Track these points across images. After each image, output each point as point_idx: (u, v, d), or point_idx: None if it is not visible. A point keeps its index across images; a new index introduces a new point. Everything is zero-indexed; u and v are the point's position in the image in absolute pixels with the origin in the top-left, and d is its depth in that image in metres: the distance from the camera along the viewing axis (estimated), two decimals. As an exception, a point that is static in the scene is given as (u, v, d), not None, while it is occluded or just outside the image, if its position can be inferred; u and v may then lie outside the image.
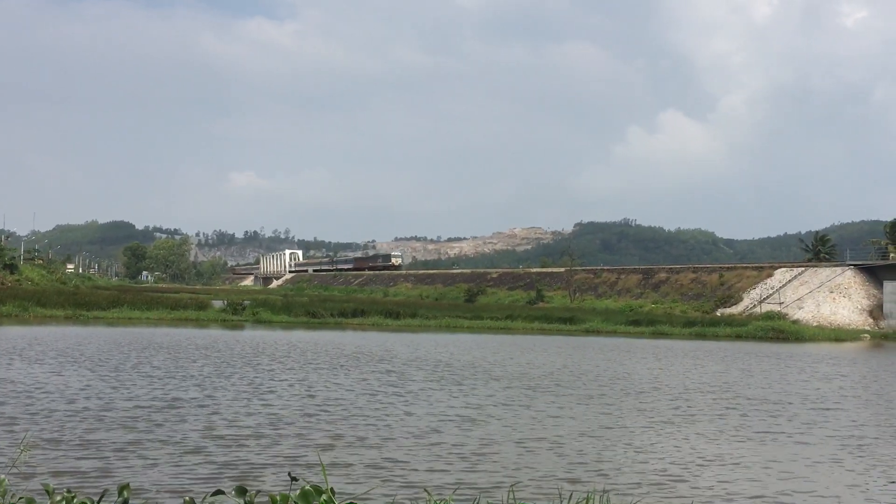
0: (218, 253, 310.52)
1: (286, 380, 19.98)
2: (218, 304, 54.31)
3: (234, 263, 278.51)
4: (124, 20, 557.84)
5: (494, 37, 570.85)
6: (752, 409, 17.88)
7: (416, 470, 10.96)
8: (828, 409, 18.44)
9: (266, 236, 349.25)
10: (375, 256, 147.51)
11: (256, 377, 20.33)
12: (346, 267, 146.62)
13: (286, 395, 17.28)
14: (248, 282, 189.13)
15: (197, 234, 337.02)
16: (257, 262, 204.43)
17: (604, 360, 29.72)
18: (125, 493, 3.41)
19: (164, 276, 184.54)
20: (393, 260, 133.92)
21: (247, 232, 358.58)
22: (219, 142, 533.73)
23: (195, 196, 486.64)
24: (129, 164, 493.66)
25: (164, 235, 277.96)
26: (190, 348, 27.81)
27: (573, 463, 11.92)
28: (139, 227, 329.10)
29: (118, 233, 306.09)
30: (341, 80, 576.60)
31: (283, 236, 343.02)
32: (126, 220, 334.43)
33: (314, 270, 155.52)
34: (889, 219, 72.08)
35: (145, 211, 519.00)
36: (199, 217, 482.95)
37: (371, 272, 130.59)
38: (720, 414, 17.16)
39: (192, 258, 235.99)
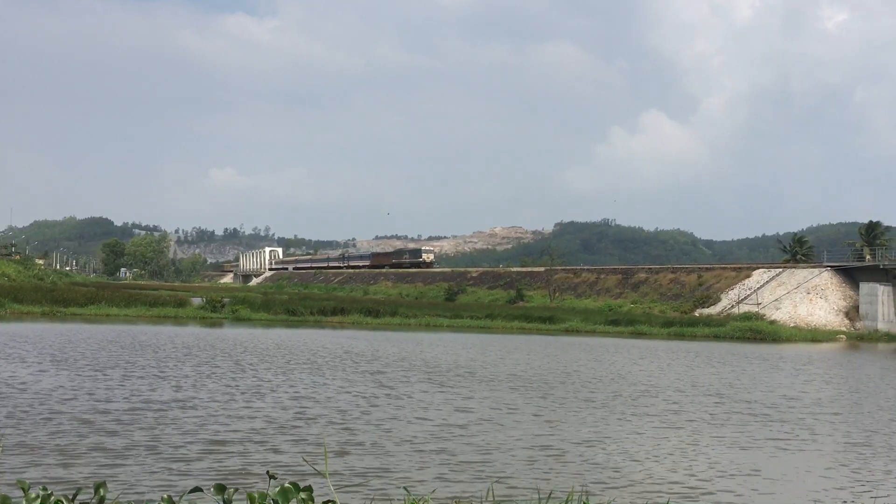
0: (197, 250, 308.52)
1: (270, 381, 19.87)
2: (197, 301, 54.08)
3: (213, 261, 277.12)
4: (103, 14, 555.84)
5: (476, 36, 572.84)
6: (747, 414, 17.92)
7: (409, 477, 10.93)
8: (817, 414, 18.55)
9: (246, 234, 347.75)
10: (401, 252, 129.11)
11: (238, 377, 20.25)
12: (361, 264, 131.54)
13: (270, 398, 17.15)
14: (228, 279, 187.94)
15: (176, 231, 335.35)
16: (237, 260, 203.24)
17: (592, 360, 29.82)
18: (101, 491, 3.32)
19: (143, 272, 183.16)
20: (424, 255, 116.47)
21: (227, 229, 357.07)
22: (199, 138, 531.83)
23: (175, 193, 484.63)
24: (107, 159, 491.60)
25: (143, 232, 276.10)
26: (168, 346, 27.66)
27: (572, 468, 11.95)
28: (118, 223, 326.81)
29: (96, 229, 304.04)
30: (322, 78, 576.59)
31: (263, 234, 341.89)
32: (104, 216, 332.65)
33: (294, 268, 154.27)
34: (865, 221, 72.82)
35: (124, 207, 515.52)
36: (178, 214, 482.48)
37: (391, 269, 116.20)
38: (724, 422, 17.15)
39: (171, 255, 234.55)
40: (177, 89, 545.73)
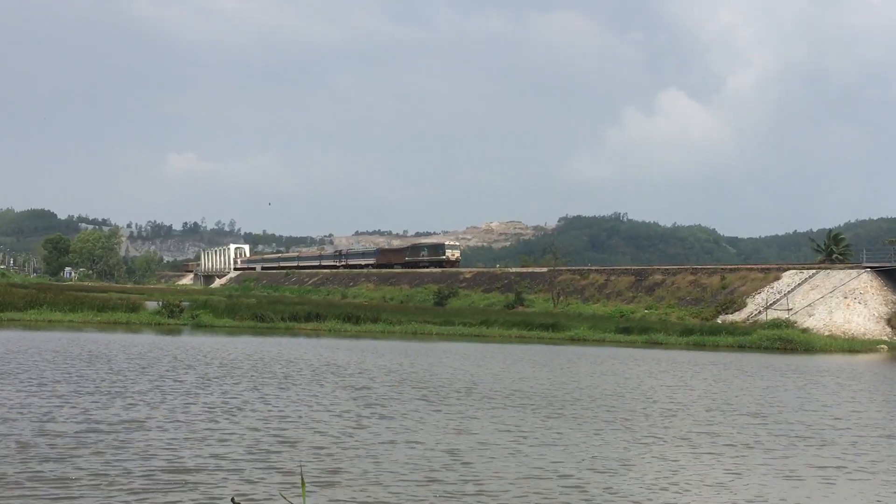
0: (153, 247, 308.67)
1: (239, 397, 19.75)
2: (152, 305, 53.88)
3: (171, 259, 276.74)
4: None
5: (470, 4, 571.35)
6: (793, 437, 17.84)
7: None
8: (870, 437, 18.50)
9: (208, 229, 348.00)
10: (417, 248, 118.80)
11: (200, 393, 20.12)
12: (363, 263, 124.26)
13: (240, 417, 17.02)
14: (188, 280, 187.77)
15: (129, 226, 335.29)
16: (198, 258, 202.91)
17: (606, 373, 29.74)
18: None
19: (91, 272, 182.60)
20: (448, 253, 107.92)
21: (186, 223, 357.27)
22: (156, 119, 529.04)
23: (127, 182, 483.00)
24: (50, 144, 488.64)
25: (90, 226, 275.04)
26: (120, 357, 27.48)
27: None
28: (62, 216, 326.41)
29: (37, 223, 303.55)
30: (295, 51, 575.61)
31: (227, 229, 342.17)
32: (47, 208, 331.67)
33: (263, 268, 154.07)
34: (910, 216, 73.03)
35: (69, 198, 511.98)
36: (131, 206, 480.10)
37: (405, 269, 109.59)
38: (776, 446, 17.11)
39: (122, 253, 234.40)
40: (131, 64, 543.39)
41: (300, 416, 17.12)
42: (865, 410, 22.81)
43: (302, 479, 5.05)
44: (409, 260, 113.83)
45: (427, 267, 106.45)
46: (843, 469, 14.55)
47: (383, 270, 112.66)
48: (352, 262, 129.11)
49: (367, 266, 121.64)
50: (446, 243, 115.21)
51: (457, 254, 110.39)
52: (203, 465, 12.48)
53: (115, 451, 13.10)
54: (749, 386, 27.31)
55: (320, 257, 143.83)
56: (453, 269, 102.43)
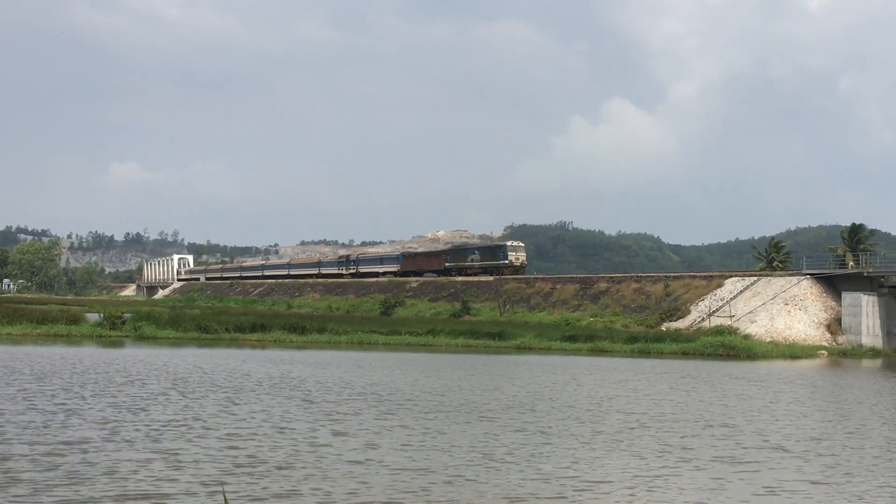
0: (94, 258, 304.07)
1: (186, 411, 19.61)
2: (93, 317, 53.16)
3: (113, 270, 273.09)
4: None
5: (416, 13, 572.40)
6: (767, 450, 18.05)
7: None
8: (848, 448, 18.78)
9: (151, 239, 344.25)
10: (464, 250, 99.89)
11: (145, 409, 19.96)
12: (382, 270, 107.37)
13: (187, 435, 16.92)
14: (130, 291, 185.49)
15: (69, 237, 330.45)
16: (141, 269, 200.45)
17: (562, 383, 29.86)
18: None
19: (30, 284, 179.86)
20: (511, 256, 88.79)
21: (128, 234, 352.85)
22: (97, 128, 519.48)
23: (68, 192, 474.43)
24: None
25: (30, 237, 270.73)
26: (64, 372, 27.12)
27: None
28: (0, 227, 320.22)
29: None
30: (239, 59, 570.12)
31: (171, 239, 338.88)
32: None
33: (207, 278, 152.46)
34: (848, 224, 74.60)
35: (7, 209, 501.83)
36: (72, 216, 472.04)
37: (440, 277, 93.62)
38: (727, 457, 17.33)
39: (63, 264, 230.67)
40: (70, 72, 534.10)
41: (256, 432, 17.06)
42: (838, 421, 23.21)
43: (224, 497, 5.12)
44: (450, 266, 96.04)
45: (477, 274, 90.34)
46: (825, 484, 14.59)
47: (329, 280, 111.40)
48: (365, 268, 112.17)
49: (386, 274, 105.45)
50: (508, 244, 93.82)
51: (522, 257, 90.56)
52: (144, 491, 12.37)
53: (46, 476, 12.97)
54: (705, 396, 27.68)
55: (319, 264, 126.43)
56: (516, 274, 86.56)
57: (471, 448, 15.84)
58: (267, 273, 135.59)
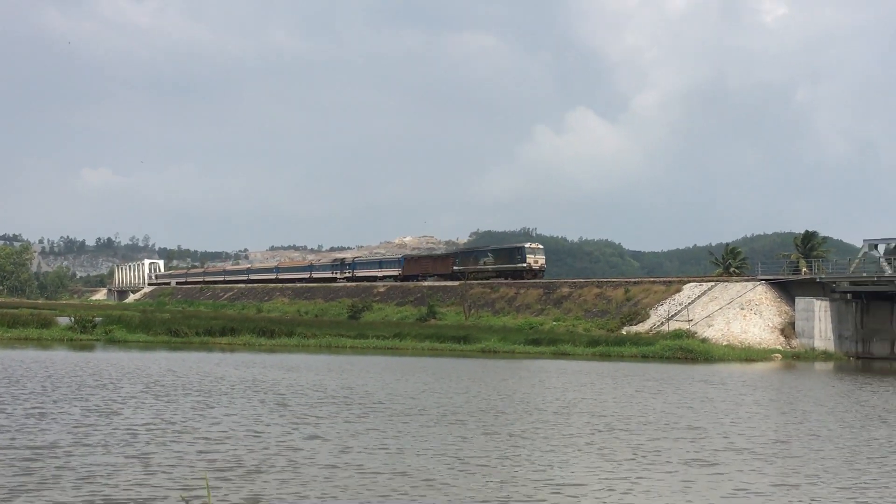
0: (65, 263, 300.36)
1: (159, 416, 19.24)
2: (64, 321, 52.41)
3: (84, 275, 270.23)
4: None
5: (383, 23, 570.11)
6: (738, 450, 18.02)
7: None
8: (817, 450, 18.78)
9: (122, 244, 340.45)
10: (476, 253, 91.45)
11: (117, 413, 19.56)
12: (381, 274, 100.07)
13: (161, 439, 16.58)
14: (101, 295, 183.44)
15: (40, 241, 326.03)
16: (112, 274, 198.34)
17: (530, 385, 29.79)
18: None
19: (1, 288, 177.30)
20: (529, 259, 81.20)
21: (99, 239, 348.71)
22: (68, 133, 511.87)
23: (39, 197, 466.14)
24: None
25: (0, 242, 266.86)
26: (36, 376, 26.60)
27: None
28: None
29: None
30: (209, 66, 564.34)
31: (142, 244, 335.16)
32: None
33: (177, 283, 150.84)
34: (802, 231, 75.34)
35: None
36: (43, 221, 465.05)
37: (449, 281, 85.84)
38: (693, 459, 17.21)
39: (34, 268, 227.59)
40: (41, 77, 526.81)
41: (231, 435, 16.75)
42: (801, 423, 23.27)
43: (207, 484, 4.88)
44: (459, 269, 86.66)
45: (493, 277, 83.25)
46: (795, 485, 14.60)
47: (299, 285, 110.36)
48: (362, 272, 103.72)
49: (385, 279, 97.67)
50: (527, 246, 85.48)
51: (542, 260, 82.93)
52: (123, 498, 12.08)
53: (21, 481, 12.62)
54: (670, 399, 27.67)
55: (311, 268, 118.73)
56: (535, 278, 79.99)
57: (443, 451, 15.63)
58: (253, 277, 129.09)
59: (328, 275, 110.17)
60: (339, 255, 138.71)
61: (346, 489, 12.28)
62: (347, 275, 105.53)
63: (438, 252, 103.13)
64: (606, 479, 13.89)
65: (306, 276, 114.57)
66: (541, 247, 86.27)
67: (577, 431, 18.73)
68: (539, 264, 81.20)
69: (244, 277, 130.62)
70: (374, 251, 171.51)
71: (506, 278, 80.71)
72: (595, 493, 12.77)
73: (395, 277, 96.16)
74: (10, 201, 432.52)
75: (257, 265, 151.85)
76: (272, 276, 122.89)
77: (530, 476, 13.77)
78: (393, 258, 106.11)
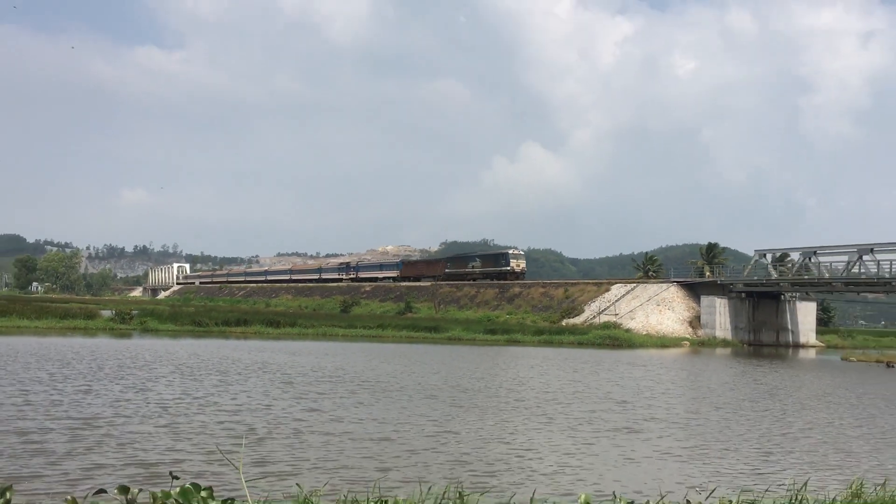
0: (108, 266, 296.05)
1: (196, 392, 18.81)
2: (106, 313, 51.52)
3: (123, 276, 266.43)
4: (18, 42, 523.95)
5: (368, 72, 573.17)
6: (656, 420, 17.91)
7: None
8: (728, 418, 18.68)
9: (155, 250, 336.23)
10: (463, 258, 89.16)
11: (158, 389, 19.11)
12: (381, 276, 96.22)
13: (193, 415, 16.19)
14: (137, 293, 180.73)
15: (88, 248, 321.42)
16: (146, 275, 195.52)
17: (493, 367, 29.58)
18: (8, 494, 3.09)
19: (55, 287, 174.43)
20: (513, 263, 78.10)
21: (136, 246, 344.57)
22: (110, 160, 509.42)
23: (87, 212, 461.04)
24: (21, 180, 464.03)
25: (55, 248, 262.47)
26: (84, 358, 26.01)
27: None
28: (30, 240, 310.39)
29: (9, 246, 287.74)
30: (227, 106, 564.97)
31: (171, 251, 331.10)
32: (18, 233, 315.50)
33: (201, 282, 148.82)
34: (706, 242, 75.93)
35: (38, 225, 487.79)
36: (90, 232, 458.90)
37: (440, 282, 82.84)
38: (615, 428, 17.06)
39: (82, 270, 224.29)
40: (88, 113, 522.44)
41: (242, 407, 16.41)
42: (719, 395, 23.23)
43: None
44: (451, 272, 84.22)
45: (480, 278, 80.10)
46: (705, 447, 14.43)
47: (301, 284, 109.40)
48: (365, 274, 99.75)
49: (385, 280, 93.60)
50: (510, 251, 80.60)
51: (523, 264, 79.49)
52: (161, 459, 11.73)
53: (89, 438, 12.25)
54: (604, 377, 27.58)
55: (320, 270, 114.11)
56: (517, 279, 76.63)
57: (419, 421, 15.39)
58: (270, 277, 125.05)
59: (335, 276, 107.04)
60: (344, 260, 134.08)
61: (342, 452, 12.01)
62: (352, 276, 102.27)
63: (432, 259, 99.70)
64: (556, 443, 13.69)
65: (316, 276, 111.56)
66: (522, 253, 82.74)
67: (528, 404, 18.56)
68: (521, 268, 78.80)
69: (262, 278, 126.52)
70: (362, 257, 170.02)
71: (492, 280, 78.22)
72: (546, 456, 12.58)
73: (393, 279, 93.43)
74: (62, 215, 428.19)
75: (274, 268, 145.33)
76: (286, 277, 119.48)
77: (492, 441, 13.57)
78: (392, 262, 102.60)
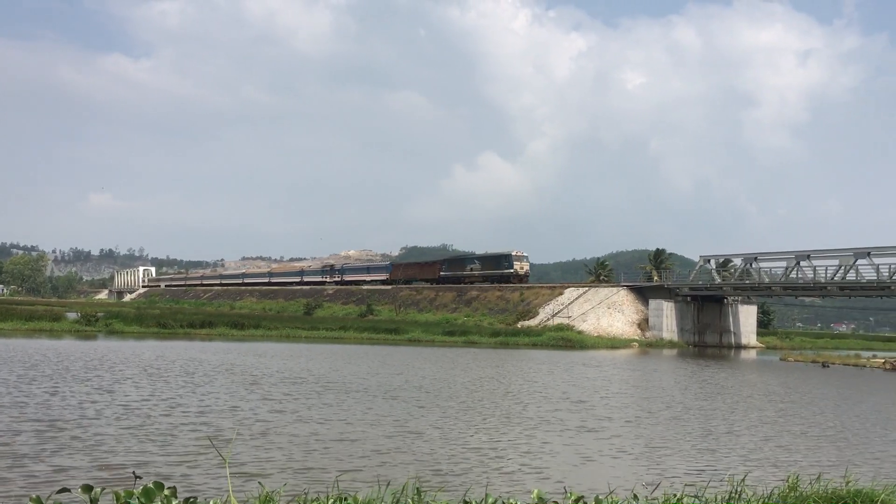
0: (74, 269, 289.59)
1: (162, 394, 18.38)
2: (72, 315, 50.30)
3: (89, 279, 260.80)
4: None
5: (333, 82, 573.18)
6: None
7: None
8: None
9: (121, 254, 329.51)
10: (462, 259, 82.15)
11: (124, 391, 18.65)
12: (369, 278, 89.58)
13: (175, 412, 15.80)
14: (103, 296, 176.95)
15: (54, 251, 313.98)
16: (112, 278, 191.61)
17: (450, 368, 29.45)
18: None
19: (20, 289, 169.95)
20: (516, 265, 72.22)
21: (103, 249, 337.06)
22: (78, 165, 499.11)
23: (55, 215, 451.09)
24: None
25: (21, 251, 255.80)
26: (50, 360, 25.32)
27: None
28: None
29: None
30: (194, 114, 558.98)
31: (137, 254, 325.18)
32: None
33: (166, 285, 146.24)
34: (654, 248, 76.80)
35: (4, 228, 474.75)
36: (57, 235, 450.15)
37: (427, 286, 78.16)
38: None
39: (48, 273, 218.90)
40: (58, 120, 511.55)
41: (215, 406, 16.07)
42: (677, 393, 23.36)
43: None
44: (445, 275, 78.33)
45: (479, 281, 74.51)
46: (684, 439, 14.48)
47: (263, 288, 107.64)
48: (351, 277, 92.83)
49: (374, 282, 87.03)
50: (514, 253, 73.18)
51: (526, 266, 73.44)
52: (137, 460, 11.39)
53: (57, 444, 11.86)
54: (562, 378, 27.63)
55: (302, 273, 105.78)
56: (521, 283, 71.15)
57: (382, 421, 15.24)
58: (248, 280, 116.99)
59: (318, 279, 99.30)
60: (329, 262, 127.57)
61: (310, 452, 11.83)
62: (337, 279, 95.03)
63: (425, 261, 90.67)
64: (517, 441, 13.65)
65: (297, 280, 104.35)
66: (525, 254, 74.86)
67: (487, 404, 18.51)
68: (525, 270, 73.19)
69: (239, 281, 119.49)
70: (325, 261, 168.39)
71: (493, 283, 73.00)
72: (507, 454, 12.53)
73: (383, 282, 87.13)
74: (29, 218, 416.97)
75: (252, 271, 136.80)
76: (265, 280, 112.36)
77: (455, 441, 13.48)
78: (381, 265, 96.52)
